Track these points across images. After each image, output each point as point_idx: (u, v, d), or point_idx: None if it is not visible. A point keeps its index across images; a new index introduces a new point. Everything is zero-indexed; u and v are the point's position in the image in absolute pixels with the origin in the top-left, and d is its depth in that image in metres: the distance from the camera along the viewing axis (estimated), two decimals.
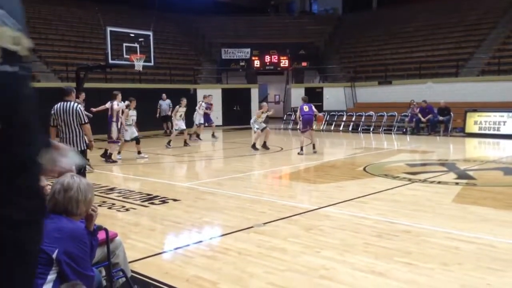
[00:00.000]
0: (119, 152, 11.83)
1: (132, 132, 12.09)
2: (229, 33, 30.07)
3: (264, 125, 13.81)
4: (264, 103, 15.15)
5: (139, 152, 12.20)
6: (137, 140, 12.10)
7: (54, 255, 2.37)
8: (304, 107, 12.65)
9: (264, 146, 13.64)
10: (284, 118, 24.68)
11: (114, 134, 11.27)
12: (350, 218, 5.87)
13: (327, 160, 11.86)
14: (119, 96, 11.53)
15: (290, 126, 22.38)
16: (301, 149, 12.57)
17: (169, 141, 14.66)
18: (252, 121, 14.32)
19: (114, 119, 11.31)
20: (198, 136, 16.86)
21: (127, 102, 11.82)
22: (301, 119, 12.66)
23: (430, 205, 6.49)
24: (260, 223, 5.66)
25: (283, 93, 30.21)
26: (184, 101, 14.84)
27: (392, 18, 28.17)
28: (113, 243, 3.28)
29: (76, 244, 2.46)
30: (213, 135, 17.37)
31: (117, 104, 11.36)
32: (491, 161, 11.14)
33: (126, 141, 11.82)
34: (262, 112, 13.80)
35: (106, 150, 11.73)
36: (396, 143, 16.25)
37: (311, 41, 29.61)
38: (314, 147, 12.63)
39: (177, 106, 14.88)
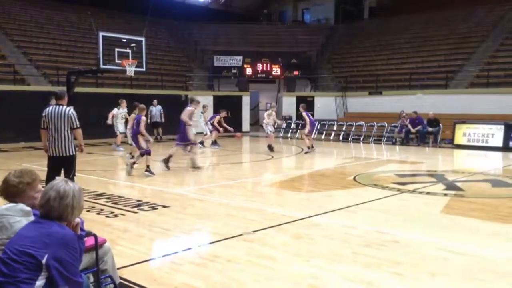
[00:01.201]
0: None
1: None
2: (222, 40, 30.16)
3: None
4: (274, 104, 16.40)
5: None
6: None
7: (43, 260, 2.35)
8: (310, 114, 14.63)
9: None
10: (275, 126, 24.68)
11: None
12: (340, 227, 5.89)
13: (317, 169, 11.89)
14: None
15: (281, 134, 22.42)
16: (310, 147, 14.53)
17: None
18: (265, 123, 15.53)
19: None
20: (202, 143, 16.65)
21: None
22: (310, 124, 14.59)
23: (419, 216, 6.53)
24: (250, 231, 5.65)
25: (274, 101, 30.27)
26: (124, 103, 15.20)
27: (384, 29, 28.47)
28: (102, 249, 3.26)
29: (66, 250, 2.43)
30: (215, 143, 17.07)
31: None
32: (479, 172, 11.25)
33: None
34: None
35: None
36: (385, 153, 16.35)
37: (303, 50, 29.80)
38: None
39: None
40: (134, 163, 10.47)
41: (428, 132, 17.96)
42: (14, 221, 2.79)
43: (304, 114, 14.72)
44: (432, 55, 23.97)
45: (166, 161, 11.01)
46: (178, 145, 11.27)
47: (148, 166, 10.26)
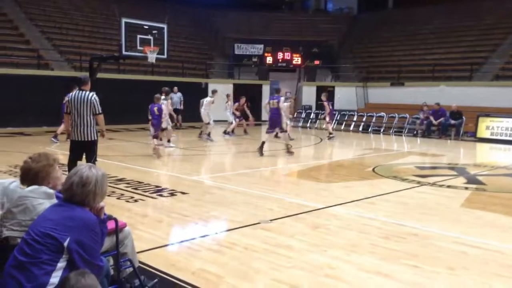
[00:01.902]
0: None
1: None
2: (243, 28, 30.02)
3: None
4: (289, 94, 16.17)
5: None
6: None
7: (65, 243, 2.40)
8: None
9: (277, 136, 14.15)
10: (295, 116, 24.64)
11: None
12: (358, 218, 5.87)
13: (335, 160, 11.83)
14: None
15: (300, 124, 22.34)
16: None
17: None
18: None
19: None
20: (228, 133, 16.79)
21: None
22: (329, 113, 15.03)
23: (439, 209, 6.46)
24: (267, 220, 5.67)
25: (294, 90, 30.15)
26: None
27: (408, 19, 27.95)
28: (122, 233, 3.31)
29: (88, 234, 2.48)
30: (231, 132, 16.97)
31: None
32: (502, 167, 11.05)
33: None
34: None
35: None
36: (406, 145, 16.16)
37: (325, 39, 29.48)
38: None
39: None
40: (162, 145, 11.91)
41: (451, 124, 17.67)
42: (37, 203, 2.86)
43: (325, 103, 15.15)
44: (456, 46, 23.47)
45: (261, 148, 11.77)
46: (269, 132, 12.25)
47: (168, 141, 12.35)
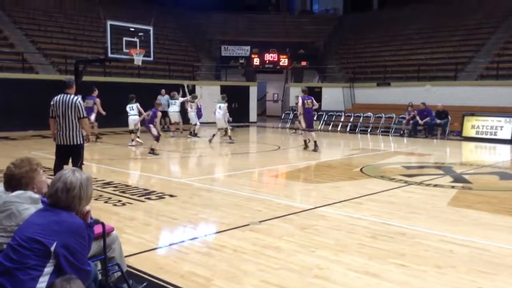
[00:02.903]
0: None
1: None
2: (229, 30, 30.04)
3: None
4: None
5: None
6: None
7: (52, 248, 2.37)
8: None
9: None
10: (282, 117, 24.71)
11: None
12: (346, 218, 5.89)
13: (324, 160, 11.88)
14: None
15: (288, 125, 22.40)
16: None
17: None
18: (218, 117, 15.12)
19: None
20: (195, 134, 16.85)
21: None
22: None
23: (426, 208, 6.52)
24: (256, 221, 5.67)
25: (281, 92, 30.22)
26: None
27: (393, 19, 28.21)
28: (110, 237, 3.29)
29: (75, 238, 2.46)
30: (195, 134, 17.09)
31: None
32: (487, 165, 11.19)
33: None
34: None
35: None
36: (393, 145, 16.29)
37: (311, 40, 29.63)
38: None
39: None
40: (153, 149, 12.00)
41: (437, 124, 17.85)
42: (22, 208, 2.82)
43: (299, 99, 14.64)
44: (441, 46, 23.74)
45: (306, 145, 13.18)
46: (311, 131, 13.15)
47: (152, 149, 11.96)
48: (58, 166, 6.67)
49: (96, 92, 14.79)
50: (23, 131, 16.75)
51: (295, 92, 25.59)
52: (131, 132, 14.20)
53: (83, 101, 14.34)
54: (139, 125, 13.85)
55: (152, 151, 11.90)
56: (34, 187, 2.99)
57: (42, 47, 21.04)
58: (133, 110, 14.13)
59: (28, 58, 19.73)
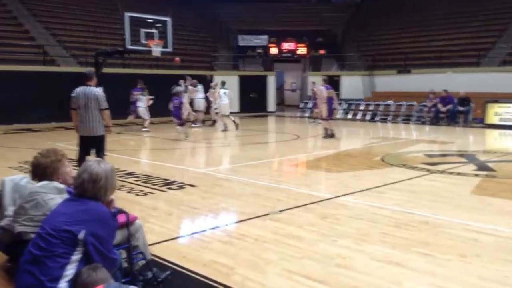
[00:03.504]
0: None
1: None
2: (247, 19, 29.89)
3: None
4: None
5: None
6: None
7: (80, 236, 2.42)
8: None
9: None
10: (301, 106, 24.58)
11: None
12: (367, 207, 5.85)
13: (344, 149, 11.80)
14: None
15: (307, 114, 22.30)
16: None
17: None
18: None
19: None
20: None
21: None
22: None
23: (449, 196, 6.43)
24: (276, 211, 5.67)
25: (299, 81, 30.05)
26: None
27: (412, 5, 27.68)
28: (133, 226, 3.33)
29: (102, 227, 2.50)
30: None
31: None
32: (511, 153, 10.96)
33: None
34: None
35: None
36: (414, 133, 16.07)
37: (329, 28, 29.30)
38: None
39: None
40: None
41: (459, 111, 17.55)
42: (48, 198, 2.87)
43: (319, 88, 14.93)
44: (463, 32, 23.22)
45: (330, 135, 13.27)
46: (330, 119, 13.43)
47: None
48: (82, 157, 6.82)
49: (141, 84, 15.70)
50: (46, 123, 17.03)
51: (313, 81, 25.52)
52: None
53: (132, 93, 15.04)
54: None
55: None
56: (59, 177, 3.04)
57: (62, 39, 21.28)
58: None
59: (49, 51, 19.99)
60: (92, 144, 6.91)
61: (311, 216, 5.48)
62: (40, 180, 3.03)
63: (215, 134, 15.24)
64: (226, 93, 15.66)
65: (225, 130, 15.26)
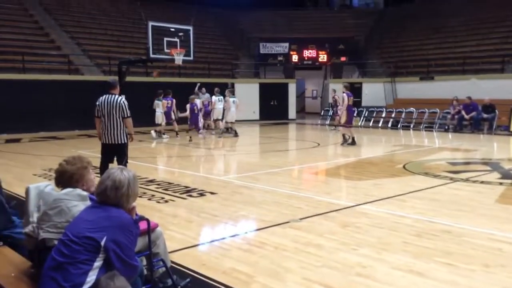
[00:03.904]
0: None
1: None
2: (268, 27, 30.01)
3: None
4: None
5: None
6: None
7: (102, 242, 2.45)
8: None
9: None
10: (322, 114, 24.50)
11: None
12: (388, 216, 5.79)
13: (365, 157, 11.70)
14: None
15: (328, 122, 22.21)
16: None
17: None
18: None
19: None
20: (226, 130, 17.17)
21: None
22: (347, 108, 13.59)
23: (472, 205, 6.31)
24: (296, 219, 5.66)
25: (320, 88, 29.96)
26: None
27: (436, 11, 27.37)
28: (154, 233, 3.36)
29: (124, 233, 2.53)
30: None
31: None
32: None
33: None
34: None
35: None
36: (437, 140, 15.83)
37: (351, 35, 29.16)
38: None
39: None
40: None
41: (483, 118, 17.23)
42: (72, 205, 2.93)
43: (342, 96, 15.00)
44: (487, 38, 22.83)
45: (350, 142, 13.29)
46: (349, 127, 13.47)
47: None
48: (104, 164, 6.94)
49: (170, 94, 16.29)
50: (70, 130, 17.37)
51: (335, 88, 25.37)
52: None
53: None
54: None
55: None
56: (84, 184, 3.10)
57: (87, 49, 21.72)
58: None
59: (74, 60, 20.42)
60: (114, 152, 7.00)
61: (332, 224, 5.45)
62: (64, 187, 3.09)
63: (235, 142, 15.29)
64: (234, 101, 16.31)
65: (232, 136, 15.98)
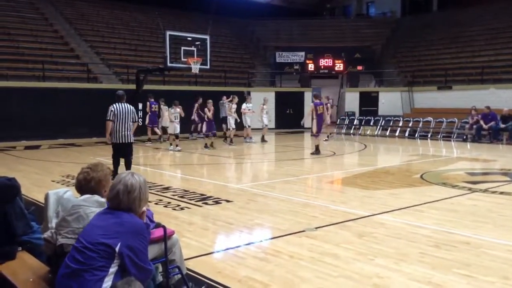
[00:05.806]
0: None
1: (175, 127, 14.72)
2: (284, 36, 30.12)
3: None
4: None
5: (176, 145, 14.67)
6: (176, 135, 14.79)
7: (117, 248, 2.47)
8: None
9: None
10: (338, 122, 24.41)
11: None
12: (406, 226, 5.72)
13: (381, 166, 11.60)
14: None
15: (344, 130, 22.11)
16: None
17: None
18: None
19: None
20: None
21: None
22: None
23: (491, 216, 6.21)
24: (312, 228, 5.63)
25: (336, 97, 29.88)
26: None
27: (453, 21, 27.18)
28: (170, 240, 3.37)
29: (137, 238, 2.54)
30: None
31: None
32: None
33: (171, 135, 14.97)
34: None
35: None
36: (455, 150, 15.64)
37: (368, 44, 29.10)
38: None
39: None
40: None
41: (502, 128, 16.98)
42: (90, 211, 2.96)
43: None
44: (505, 47, 22.56)
45: (317, 151, 13.40)
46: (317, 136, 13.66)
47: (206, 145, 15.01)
48: (116, 160, 8.72)
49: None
50: (87, 138, 17.59)
51: (351, 97, 25.32)
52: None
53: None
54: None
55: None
56: (106, 191, 3.12)
57: (105, 57, 22.05)
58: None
59: (93, 69, 20.74)
60: (123, 149, 8.66)
61: (348, 234, 5.41)
62: (87, 193, 3.12)
63: (251, 150, 15.31)
64: (249, 109, 17.26)
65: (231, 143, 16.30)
